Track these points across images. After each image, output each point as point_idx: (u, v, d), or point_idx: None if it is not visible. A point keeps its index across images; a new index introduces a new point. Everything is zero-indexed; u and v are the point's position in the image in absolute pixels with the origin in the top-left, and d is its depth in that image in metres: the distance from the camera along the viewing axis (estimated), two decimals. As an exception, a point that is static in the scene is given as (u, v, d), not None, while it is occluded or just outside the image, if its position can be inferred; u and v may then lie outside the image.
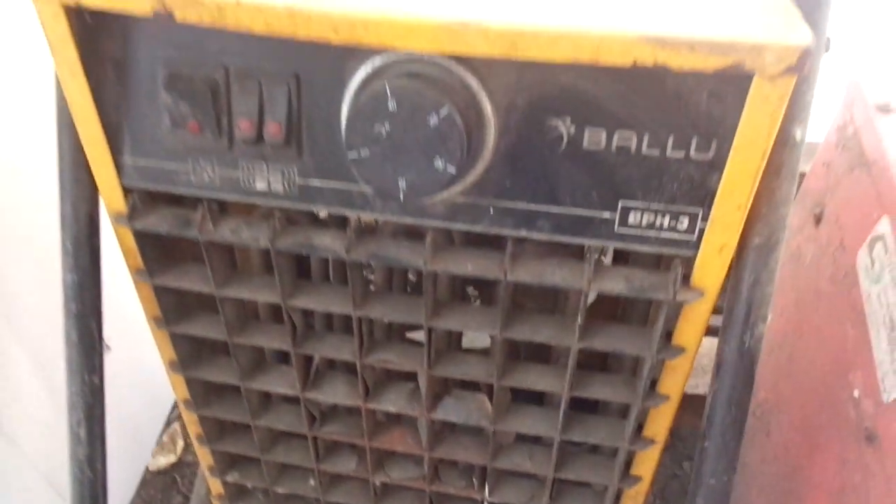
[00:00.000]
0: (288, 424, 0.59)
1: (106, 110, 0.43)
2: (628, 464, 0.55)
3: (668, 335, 0.45)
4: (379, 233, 0.47)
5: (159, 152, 0.44)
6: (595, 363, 0.53)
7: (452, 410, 0.53)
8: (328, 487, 0.65)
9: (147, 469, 1.09)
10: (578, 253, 0.44)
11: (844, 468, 0.50)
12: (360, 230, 0.45)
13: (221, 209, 0.47)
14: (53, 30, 0.40)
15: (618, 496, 0.58)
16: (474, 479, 0.60)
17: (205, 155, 0.44)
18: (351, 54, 0.39)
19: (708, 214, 0.40)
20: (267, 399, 0.61)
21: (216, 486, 0.69)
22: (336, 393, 0.55)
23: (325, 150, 0.42)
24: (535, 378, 0.50)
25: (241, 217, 0.47)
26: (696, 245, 0.41)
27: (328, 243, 0.45)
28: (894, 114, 0.52)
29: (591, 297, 0.46)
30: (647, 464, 0.54)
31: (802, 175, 0.65)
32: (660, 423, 0.51)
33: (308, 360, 0.55)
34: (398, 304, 0.49)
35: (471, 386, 0.55)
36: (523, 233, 0.43)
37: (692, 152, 0.38)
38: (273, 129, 0.41)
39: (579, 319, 0.44)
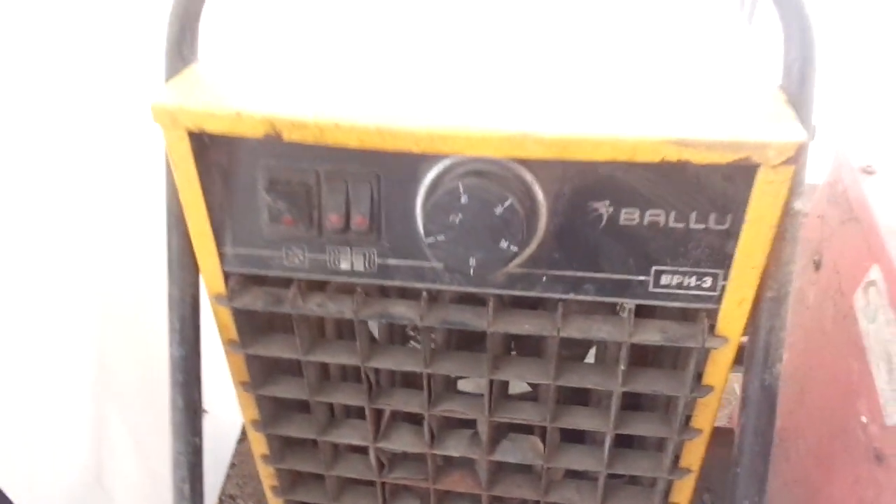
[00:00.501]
0: (359, 472, 0.66)
1: (213, 209, 0.51)
2: (667, 492, 0.62)
3: (698, 376, 0.53)
4: (442, 300, 0.55)
5: (257, 242, 0.52)
6: (630, 403, 0.61)
7: (510, 452, 0.60)
8: (392, 529, 0.71)
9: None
10: (612, 308, 0.52)
11: (858, 486, 0.57)
12: (429, 300, 0.53)
13: (307, 286, 0.55)
14: (177, 149, 0.48)
15: (658, 523, 0.65)
16: (528, 514, 0.67)
17: (297, 243, 0.52)
18: (425, 158, 0.47)
19: (728, 274, 0.48)
20: (335, 450, 0.68)
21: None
22: (404, 442, 0.62)
23: (400, 234, 0.50)
24: (582, 420, 0.57)
25: (321, 292, 0.55)
26: (719, 300, 0.49)
27: (403, 312, 0.53)
28: (876, 175, 0.60)
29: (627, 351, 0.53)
30: (684, 492, 0.61)
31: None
32: (694, 454, 0.58)
33: (377, 413, 0.62)
34: (461, 361, 0.56)
35: (520, 429, 0.62)
36: (571, 296, 0.50)
37: (711, 224, 0.46)
38: (358, 221, 0.49)
39: (622, 366, 0.52)
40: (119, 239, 0.74)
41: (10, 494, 0.58)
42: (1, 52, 0.58)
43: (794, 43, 0.44)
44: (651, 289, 0.49)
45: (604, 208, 0.47)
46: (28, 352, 0.61)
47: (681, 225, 0.47)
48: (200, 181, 0.50)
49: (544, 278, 0.50)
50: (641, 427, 0.56)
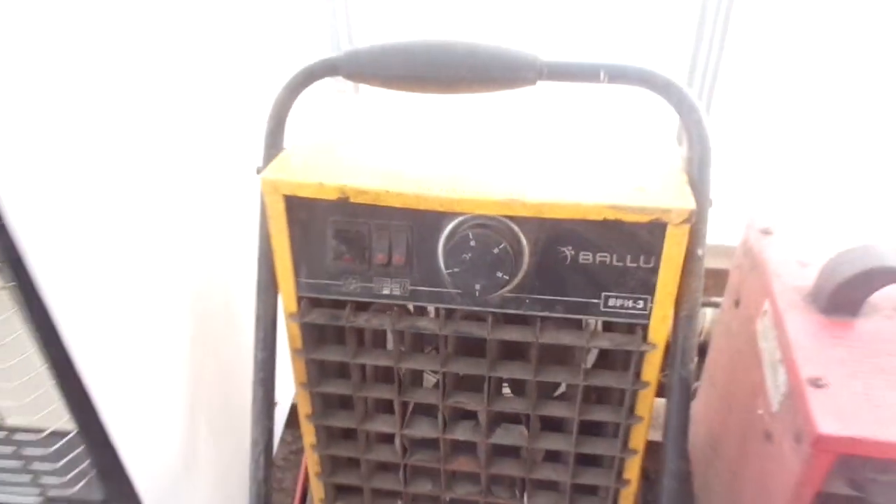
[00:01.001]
0: (387, 457, 0.85)
1: (294, 250, 0.73)
2: (620, 471, 0.81)
3: (637, 375, 0.73)
4: (454, 316, 0.75)
5: (323, 274, 0.74)
6: (592, 398, 0.81)
7: (502, 437, 0.80)
8: (409, 508, 0.90)
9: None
10: (578, 323, 0.73)
11: (757, 459, 0.77)
12: (446, 316, 0.74)
13: (356, 307, 0.76)
14: (274, 207, 0.70)
15: (615, 498, 0.84)
16: (516, 491, 0.86)
17: (352, 275, 0.73)
18: (445, 215, 0.68)
19: (654, 298, 0.69)
20: (368, 438, 0.87)
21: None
22: (423, 429, 0.82)
23: (426, 268, 0.71)
24: (555, 408, 0.77)
25: (366, 311, 0.76)
26: (649, 317, 0.70)
27: (427, 324, 0.74)
28: (771, 235, 0.82)
29: (592, 355, 0.74)
30: (632, 469, 0.81)
31: (727, 272, 0.95)
32: (638, 437, 0.78)
33: (403, 406, 0.82)
34: (467, 363, 0.77)
35: (511, 421, 0.82)
36: (546, 313, 0.71)
37: (641, 263, 0.68)
38: (397, 259, 0.71)
39: (585, 365, 0.73)
40: (216, 266, 0.95)
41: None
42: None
43: (693, 144, 0.67)
44: (602, 308, 0.70)
45: (568, 251, 0.68)
46: (143, 353, 0.81)
47: (621, 264, 0.68)
48: (288, 230, 0.71)
49: (527, 300, 0.71)
50: (599, 415, 0.77)
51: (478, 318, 0.74)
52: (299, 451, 1.40)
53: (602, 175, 0.70)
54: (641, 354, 0.72)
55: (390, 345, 0.79)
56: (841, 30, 1.23)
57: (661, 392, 0.75)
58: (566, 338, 0.72)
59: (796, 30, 1.24)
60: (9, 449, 0.76)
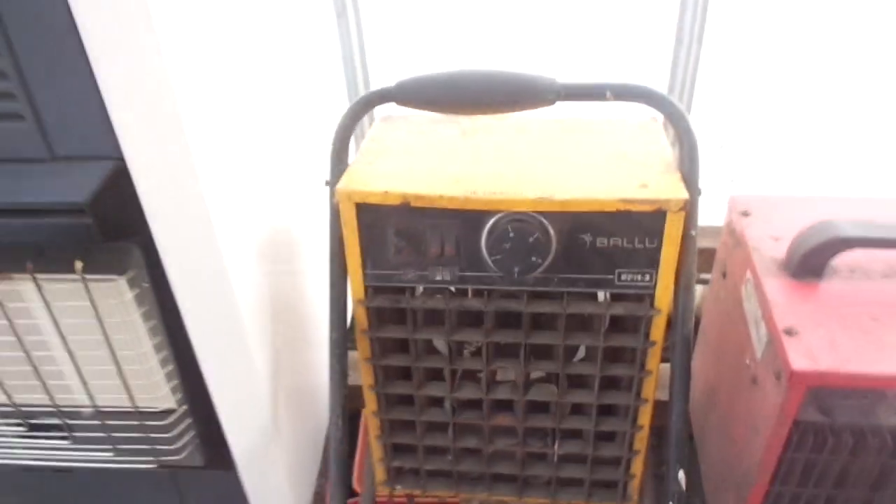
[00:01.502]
0: (438, 417, 1.01)
1: (362, 247, 0.88)
2: (635, 418, 0.98)
3: (646, 335, 0.90)
4: (495, 295, 0.91)
5: (386, 265, 0.89)
6: (609, 357, 0.97)
7: (536, 394, 0.97)
8: (459, 459, 1.06)
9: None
10: (595, 297, 0.89)
11: (745, 401, 0.94)
12: (488, 295, 0.90)
13: (414, 292, 0.92)
14: (347, 212, 0.86)
15: (631, 442, 1.01)
16: (548, 441, 1.02)
17: (411, 266, 0.89)
18: (487, 213, 0.84)
19: (657, 272, 0.85)
20: (422, 402, 1.03)
21: (381, 473, 1.10)
22: (470, 392, 0.98)
23: (471, 256, 0.87)
24: (581, 367, 0.94)
25: (423, 295, 0.92)
26: (654, 287, 0.86)
27: (474, 303, 0.90)
28: (749, 216, 0.99)
29: (606, 321, 0.90)
30: (645, 416, 0.97)
31: (713, 251, 1.11)
32: (648, 389, 0.95)
33: (453, 373, 0.98)
34: (506, 333, 0.93)
35: (543, 381, 0.99)
36: (572, 289, 0.88)
37: (647, 245, 0.84)
38: (449, 251, 0.87)
39: (604, 328, 0.89)
40: (289, 268, 1.11)
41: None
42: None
43: (683, 145, 0.83)
44: (616, 283, 0.87)
45: (587, 238, 0.85)
46: (240, 345, 0.96)
47: (630, 245, 0.85)
48: (358, 230, 0.87)
49: (555, 279, 0.87)
50: (617, 370, 0.93)
51: (513, 296, 0.91)
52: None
53: (612, 175, 0.86)
54: (650, 318, 0.88)
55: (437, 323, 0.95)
56: (804, 29, 1.40)
57: (665, 359, 0.92)
58: (588, 308, 0.88)
59: (766, 38, 1.42)
60: (135, 422, 0.92)
